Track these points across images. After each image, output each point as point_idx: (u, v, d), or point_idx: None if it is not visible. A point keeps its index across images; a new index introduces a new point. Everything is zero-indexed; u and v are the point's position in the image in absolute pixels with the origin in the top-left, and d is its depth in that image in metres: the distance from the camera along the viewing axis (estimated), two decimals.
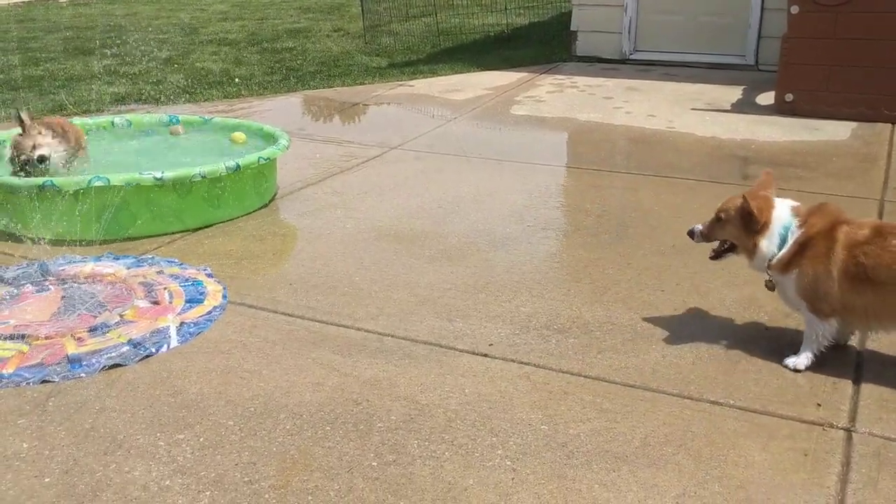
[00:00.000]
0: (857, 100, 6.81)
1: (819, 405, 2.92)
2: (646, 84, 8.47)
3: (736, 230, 3.27)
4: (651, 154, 6.18)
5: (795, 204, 3.27)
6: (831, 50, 6.81)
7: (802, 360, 3.17)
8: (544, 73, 9.13)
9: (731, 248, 3.37)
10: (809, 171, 5.66)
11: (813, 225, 3.14)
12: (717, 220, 3.34)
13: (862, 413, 2.88)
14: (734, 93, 7.94)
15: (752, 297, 3.75)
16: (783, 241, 3.18)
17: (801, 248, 3.13)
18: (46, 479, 2.56)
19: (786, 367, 3.17)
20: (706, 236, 3.39)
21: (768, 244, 3.20)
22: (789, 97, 7.05)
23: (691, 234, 3.42)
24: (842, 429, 2.79)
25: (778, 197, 3.31)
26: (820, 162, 5.86)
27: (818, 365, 3.17)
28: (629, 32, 9.51)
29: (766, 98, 7.47)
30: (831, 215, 3.18)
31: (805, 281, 3.11)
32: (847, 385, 3.06)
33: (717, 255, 3.44)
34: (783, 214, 3.21)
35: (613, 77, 8.81)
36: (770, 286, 3.30)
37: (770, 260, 3.20)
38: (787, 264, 3.16)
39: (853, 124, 6.72)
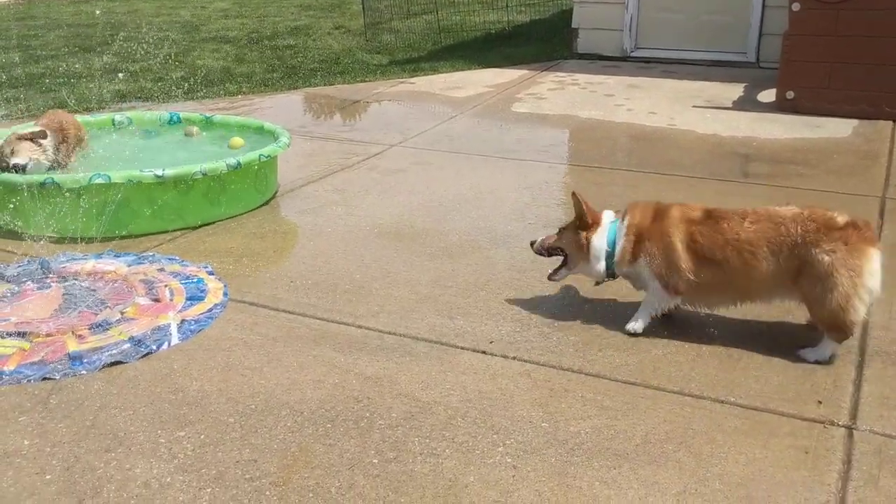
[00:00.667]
0: (859, 97, 6.81)
1: (820, 403, 2.92)
2: (647, 81, 8.46)
3: (571, 234, 3.49)
4: (652, 151, 6.18)
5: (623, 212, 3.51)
6: (832, 47, 6.80)
7: (640, 324, 3.42)
8: (545, 70, 9.12)
9: (565, 262, 3.58)
10: (810, 168, 5.66)
11: (641, 213, 3.42)
12: (559, 233, 3.56)
13: (863, 410, 2.88)
14: (735, 90, 7.93)
15: None
16: (613, 238, 3.45)
17: (639, 234, 3.39)
18: (48, 476, 2.57)
19: (626, 332, 3.41)
20: (547, 249, 3.59)
21: (598, 240, 3.45)
22: (790, 94, 7.04)
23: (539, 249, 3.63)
24: (843, 426, 2.79)
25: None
26: (821, 159, 5.86)
27: (819, 363, 3.17)
28: (630, 30, 9.50)
29: (768, 95, 7.47)
30: (652, 203, 3.48)
31: (657, 261, 3.33)
32: (848, 382, 3.06)
33: (554, 271, 3.63)
34: (607, 216, 3.51)
35: (614, 74, 8.80)
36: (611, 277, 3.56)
37: (609, 258, 3.44)
38: (633, 254, 3.40)
39: (854, 121, 6.72)
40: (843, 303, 3.06)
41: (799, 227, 3.14)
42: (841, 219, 3.14)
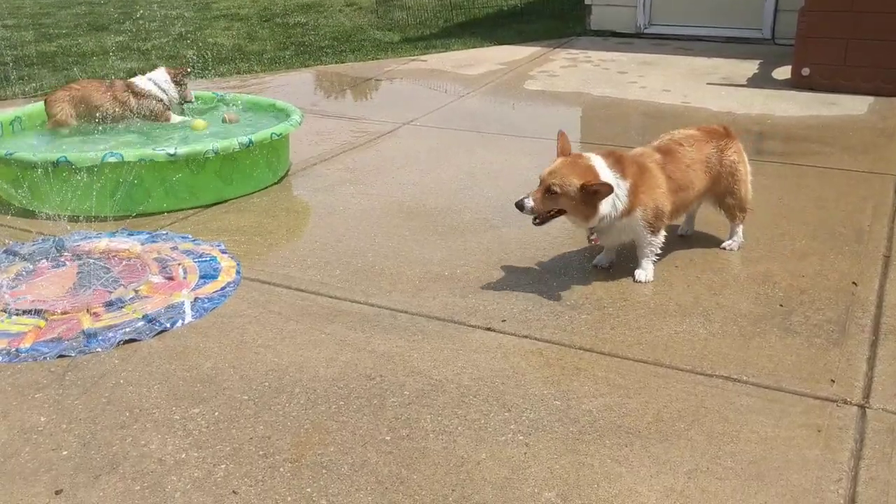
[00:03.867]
0: (875, 74, 6.73)
1: (833, 381, 2.92)
2: (661, 58, 8.39)
3: (574, 202, 3.46)
4: (666, 129, 6.08)
5: (604, 159, 3.55)
6: (848, 23, 6.72)
7: (650, 272, 3.71)
8: (558, 47, 9.06)
9: (560, 213, 3.55)
10: (826, 145, 5.61)
11: (632, 170, 3.56)
12: (550, 193, 3.47)
13: (876, 389, 2.87)
14: (750, 67, 7.86)
15: (767, 273, 3.74)
16: (616, 197, 3.50)
17: (635, 189, 3.56)
18: (64, 452, 2.60)
19: (638, 281, 3.67)
20: (538, 210, 3.50)
21: (605, 206, 3.48)
22: (806, 71, 6.97)
23: (520, 207, 3.49)
24: (856, 405, 2.79)
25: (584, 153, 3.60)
26: (836, 137, 5.80)
27: (833, 342, 3.17)
28: (644, 6, 9.41)
29: (783, 72, 7.40)
30: (632, 155, 3.68)
31: (650, 212, 3.59)
32: (861, 361, 3.05)
33: (542, 221, 3.56)
34: (608, 177, 3.49)
35: (628, 51, 8.73)
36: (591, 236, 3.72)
37: (608, 215, 3.52)
38: (629, 208, 3.55)
39: (870, 99, 6.65)
40: (746, 188, 3.95)
41: (713, 140, 3.85)
42: (719, 127, 3.95)
